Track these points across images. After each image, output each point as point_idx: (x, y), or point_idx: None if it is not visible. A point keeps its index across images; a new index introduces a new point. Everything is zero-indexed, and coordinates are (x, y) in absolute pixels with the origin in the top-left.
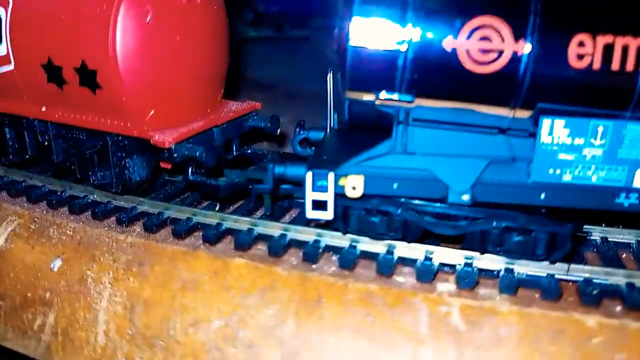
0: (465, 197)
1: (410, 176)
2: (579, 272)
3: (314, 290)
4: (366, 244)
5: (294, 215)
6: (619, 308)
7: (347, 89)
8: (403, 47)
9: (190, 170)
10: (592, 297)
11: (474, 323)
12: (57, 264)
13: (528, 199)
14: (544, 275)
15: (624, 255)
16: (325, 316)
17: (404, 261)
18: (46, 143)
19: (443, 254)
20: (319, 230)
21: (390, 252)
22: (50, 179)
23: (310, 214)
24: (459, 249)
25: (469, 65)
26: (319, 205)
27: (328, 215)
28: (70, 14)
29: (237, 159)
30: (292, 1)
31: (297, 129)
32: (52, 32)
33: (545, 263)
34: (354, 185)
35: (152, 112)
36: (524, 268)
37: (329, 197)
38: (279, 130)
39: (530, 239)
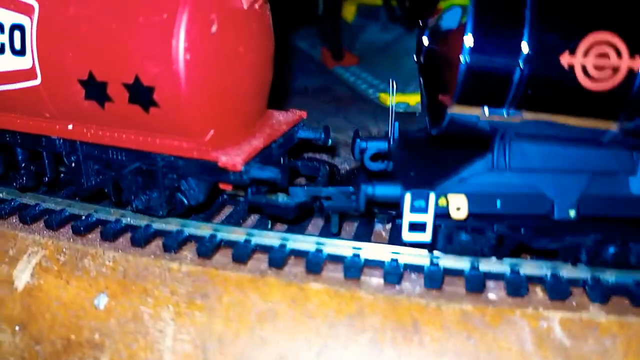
0: (572, 213)
1: (515, 193)
2: None
3: (407, 315)
4: (450, 261)
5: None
6: None
7: (454, 103)
8: (520, 63)
9: (250, 190)
10: None
11: (578, 337)
12: (102, 300)
13: (631, 211)
14: (631, 281)
15: None
16: (425, 342)
17: (490, 276)
18: (73, 165)
19: (529, 266)
20: (394, 247)
21: (475, 267)
22: (68, 201)
23: (407, 236)
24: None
25: (584, 81)
26: (417, 227)
27: (426, 237)
28: (121, 22)
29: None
30: None
31: (357, 140)
32: (96, 43)
33: None
34: (458, 205)
35: (212, 131)
36: (609, 275)
37: (428, 218)
38: (330, 141)
39: (626, 250)
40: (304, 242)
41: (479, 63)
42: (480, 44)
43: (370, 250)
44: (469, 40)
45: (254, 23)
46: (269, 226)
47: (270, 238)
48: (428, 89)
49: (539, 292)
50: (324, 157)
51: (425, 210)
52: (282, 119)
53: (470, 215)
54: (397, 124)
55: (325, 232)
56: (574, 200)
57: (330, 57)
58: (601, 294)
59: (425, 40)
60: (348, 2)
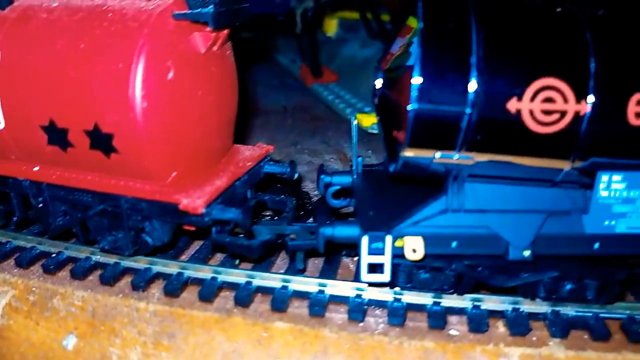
0: (527, 253)
1: (469, 234)
2: (621, 309)
3: (370, 354)
4: (412, 296)
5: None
6: None
7: (406, 147)
8: (467, 109)
9: (214, 229)
10: (637, 334)
11: None
12: (71, 341)
13: (583, 249)
14: (590, 315)
15: None
16: None
17: (452, 311)
18: (40, 205)
19: (490, 301)
20: (358, 284)
21: (437, 303)
22: (38, 239)
23: (366, 277)
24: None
25: (532, 125)
26: (375, 268)
27: (385, 277)
28: (80, 71)
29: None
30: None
31: (322, 176)
32: (56, 90)
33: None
34: (414, 247)
35: (174, 173)
36: (569, 309)
37: (386, 259)
38: (296, 175)
39: (582, 285)
40: (270, 280)
41: (427, 110)
42: (428, 91)
43: (335, 287)
44: (416, 88)
45: (213, 65)
46: (237, 263)
47: (237, 276)
48: (384, 128)
49: (500, 327)
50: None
51: (382, 252)
52: (248, 154)
53: (427, 255)
54: (360, 159)
55: (292, 268)
56: (529, 240)
57: (309, 74)
58: (561, 329)
59: (379, 83)
60: (329, 16)
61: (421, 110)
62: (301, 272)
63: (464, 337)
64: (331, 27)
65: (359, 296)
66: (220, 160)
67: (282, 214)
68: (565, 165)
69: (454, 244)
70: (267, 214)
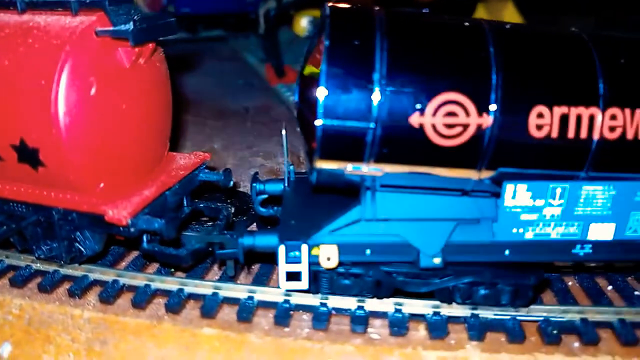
0: (437, 260)
1: (382, 242)
2: (539, 312)
3: (292, 357)
4: (338, 301)
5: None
6: (576, 344)
7: (317, 158)
8: (371, 125)
9: (145, 238)
10: (553, 336)
11: None
12: (6, 349)
13: (494, 256)
14: (508, 318)
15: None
16: None
17: (376, 315)
18: None
19: (412, 305)
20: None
21: (361, 307)
22: None
23: (285, 285)
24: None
25: (436, 139)
26: (293, 276)
27: (303, 285)
28: (4, 88)
29: (189, 215)
30: (205, 1)
31: (254, 185)
32: None
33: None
34: (329, 256)
35: (102, 185)
36: (488, 312)
37: (302, 268)
38: (231, 183)
39: (495, 291)
40: (202, 287)
41: (333, 126)
42: (333, 107)
43: (265, 293)
44: (321, 105)
45: (140, 78)
46: (172, 271)
47: (170, 283)
48: (304, 139)
49: (422, 330)
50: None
51: (299, 260)
52: (183, 163)
53: (343, 263)
54: (292, 167)
55: (226, 275)
56: (438, 248)
57: (273, 74)
58: (478, 332)
59: (294, 95)
60: (299, 15)
61: (327, 126)
62: (233, 279)
63: (384, 341)
64: (300, 26)
65: (287, 302)
66: (152, 170)
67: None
68: (473, 175)
69: (368, 251)
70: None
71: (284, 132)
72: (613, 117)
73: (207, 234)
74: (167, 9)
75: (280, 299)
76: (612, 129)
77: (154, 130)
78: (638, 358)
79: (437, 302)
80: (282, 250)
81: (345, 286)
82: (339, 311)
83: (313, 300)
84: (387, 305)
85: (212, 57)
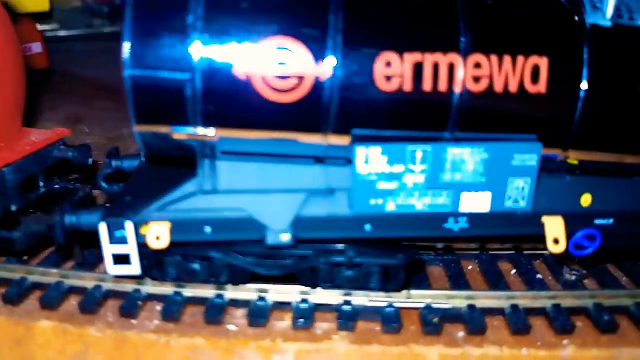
0: (286, 237)
1: (223, 218)
2: (421, 298)
3: (132, 353)
4: (194, 289)
5: None
6: (461, 334)
7: (135, 123)
8: (187, 75)
9: None
10: (433, 325)
11: None
12: None
13: (353, 232)
14: (385, 305)
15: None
16: None
17: (238, 304)
18: None
19: (279, 292)
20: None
21: (220, 295)
22: None
23: (113, 269)
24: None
25: (268, 94)
26: (122, 259)
27: (134, 269)
28: None
29: (45, 197)
30: None
31: (108, 160)
32: None
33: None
34: (158, 234)
35: None
36: (363, 299)
37: (130, 249)
38: (90, 160)
39: (362, 272)
40: (47, 275)
41: (143, 77)
42: (141, 55)
43: (115, 282)
44: (128, 53)
45: None
46: (25, 259)
47: (12, 272)
48: None
49: (288, 320)
50: None
51: (125, 240)
52: (35, 139)
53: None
54: None
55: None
56: (287, 223)
57: None
58: (348, 320)
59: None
60: None
61: (136, 77)
62: (80, 265)
63: (240, 333)
64: None
65: (137, 291)
66: None
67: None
68: (319, 140)
69: (208, 229)
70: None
71: None
72: (477, 66)
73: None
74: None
75: (130, 288)
76: (476, 79)
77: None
78: (528, 348)
79: (306, 289)
80: (103, 228)
81: (193, 271)
82: (195, 301)
83: (168, 289)
84: (250, 293)
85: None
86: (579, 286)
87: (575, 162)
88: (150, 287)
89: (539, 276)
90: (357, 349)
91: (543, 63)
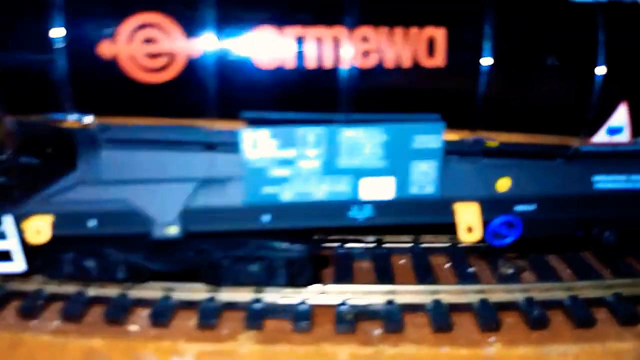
0: (173, 230)
1: (107, 210)
2: (337, 293)
3: (25, 356)
4: (97, 289)
5: None
6: (377, 332)
7: (5, 111)
8: (51, 57)
9: None
10: (347, 323)
11: None
12: None
13: (248, 223)
14: (297, 302)
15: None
16: None
17: (142, 303)
18: None
19: (185, 290)
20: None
21: (123, 295)
22: None
23: None
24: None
25: (137, 74)
26: (3, 255)
27: (18, 266)
28: None
29: None
30: None
31: None
32: None
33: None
34: (37, 228)
35: None
36: (275, 296)
37: (11, 245)
38: None
39: (265, 267)
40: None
41: (6, 61)
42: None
43: (19, 282)
44: None
45: None
46: None
47: None
48: None
49: (194, 320)
50: None
51: (4, 235)
52: None
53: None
54: None
55: None
56: (174, 215)
57: None
58: (255, 320)
59: None
60: None
61: None
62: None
63: (141, 334)
64: None
65: (40, 290)
66: None
67: None
68: (206, 124)
69: (92, 222)
70: None
71: None
72: (365, 40)
73: None
74: None
75: (33, 287)
76: (365, 54)
77: None
78: (450, 346)
79: (215, 287)
80: None
81: (87, 269)
82: (100, 300)
83: (72, 288)
84: (155, 291)
85: None
86: (514, 280)
87: (495, 144)
88: (55, 287)
89: (470, 270)
90: (262, 349)
91: (439, 34)
